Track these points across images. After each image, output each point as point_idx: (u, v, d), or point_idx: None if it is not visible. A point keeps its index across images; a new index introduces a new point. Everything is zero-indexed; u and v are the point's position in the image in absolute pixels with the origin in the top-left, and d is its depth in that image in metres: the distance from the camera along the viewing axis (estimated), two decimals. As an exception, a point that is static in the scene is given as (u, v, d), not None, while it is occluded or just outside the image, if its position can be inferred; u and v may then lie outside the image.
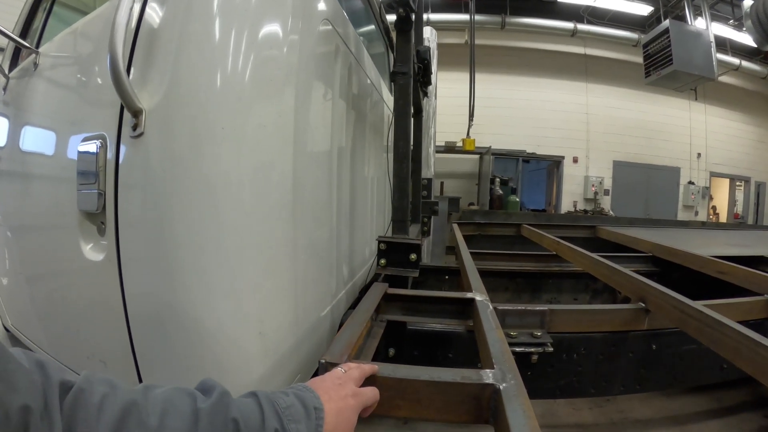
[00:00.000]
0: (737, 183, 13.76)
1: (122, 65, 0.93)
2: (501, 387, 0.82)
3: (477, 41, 8.26)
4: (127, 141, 1.02)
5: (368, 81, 2.14)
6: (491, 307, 1.34)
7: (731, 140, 13.06)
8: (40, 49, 1.60)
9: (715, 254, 2.81)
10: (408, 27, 1.73)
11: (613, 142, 11.77)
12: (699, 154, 12.67)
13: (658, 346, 2.02)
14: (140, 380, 1.09)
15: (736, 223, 11.84)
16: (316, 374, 0.87)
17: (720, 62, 8.77)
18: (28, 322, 1.77)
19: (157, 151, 0.99)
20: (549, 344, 1.59)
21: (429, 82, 2.65)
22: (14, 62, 1.95)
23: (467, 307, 1.44)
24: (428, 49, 2.27)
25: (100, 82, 1.19)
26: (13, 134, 1.71)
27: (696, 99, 11.18)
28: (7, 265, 1.90)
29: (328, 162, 1.51)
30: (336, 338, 1.01)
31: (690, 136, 12.54)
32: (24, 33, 1.97)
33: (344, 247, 1.77)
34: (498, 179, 9.73)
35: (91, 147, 1.11)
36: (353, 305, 1.85)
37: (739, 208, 13.76)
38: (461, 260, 2.18)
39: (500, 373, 0.86)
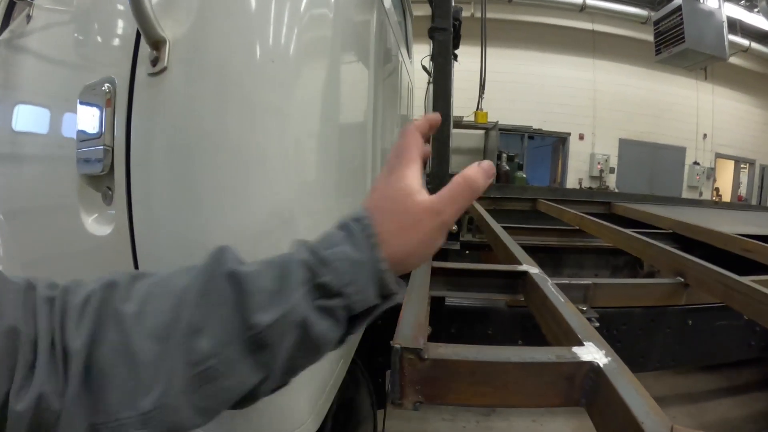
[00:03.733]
0: (742, 165, 13.74)
1: None
2: (601, 364, 0.72)
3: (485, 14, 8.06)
4: (144, 81, 0.82)
5: (395, 46, 2.01)
6: (550, 281, 1.25)
7: (738, 122, 12.94)
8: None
9: (738, 232, 2.74)
10: (448, -20, 1.62)
11: (619, 119, 11.64)
12: (705, 135, 12.57)
13: (694, 321, 2.00)
14: None
15: (744, 204, 11.79)
16: (387, 359, 0.76)
17: (730, 43, 8.64)
18: None
19: (184, 88, 0.79)
20: (595, 319, 1.51)
21: (458, 45, 2.53)
22: (6, 22, 1.75)
23: (517, 281, 1.35)
24: (461, 8, 2.15)
25: (110, 21, 1.00)
26: (6, 101, 1.50)
27: (706, 79, 11.05)
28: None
29: (363, 133, 1.39)
30: (401, 319, 0.89)
31: (696, 116, 12.41)
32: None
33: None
34: (505, 155, 9.64)
35: (96, 94, 0.90)
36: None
37: (743, 190, 13.77)
38: (492, 233, 2.08)
39: (594, 350, 0.77)
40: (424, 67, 1.78)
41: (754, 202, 13.14)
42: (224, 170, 0.78)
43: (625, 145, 11.80)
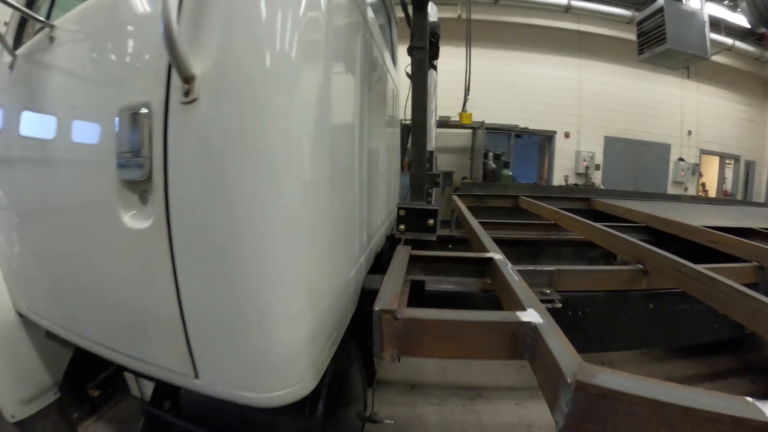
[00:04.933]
0: (727, 161, 14.06)
1: (176, 31, 0.94)
2: (537, 324, 0.94)
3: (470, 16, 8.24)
4: (177, 107, 1.06)
5: (378, 54, 2.21)
6: (510, 264, 1.46)
7: (722, 119, 13.28)
8: (56, 23, 1.55)
9: (706, 225, 2.96)
10: (425, 3, 1.81)
11: (604, 117, 11.90)
12: (690, 132, 12.87)
13: (655, 305, 2.20)
14: (189, 348, 1.18)
15: (725, 198, 12.07)
16: (370, 323, 0.98)
17: (713, 42, 8.84)
18: (52, 304, 1.76)
19: (213, 115, 1.03)
20: (557, 300, 1.72)
21: (437, 56, 2.73)
22: (18, 40, 1.88)
23: (485, 266, 1.56)
24: (438, 24, 2.35)
25: (139, 53, 1.22)
26: (31, 112, 1.68)
27: (689, 77, 11.33)
28: (14, 248, 1.89)
29: (351, 135, 1.60)
30: (381, 290, 1.12)
31: (681, 113, 12.72)
32: (29, 8, 1.83)
33: (363, 216, 1.88)
34: (491, 153, 9.85)
35: (134, 116, 1.13)
36: (371, 270, 1.97)
37: (728, 186, 14.13)
38: (468, 227, 2.29)
39: (533, 313, 0.98)
40: (407, 73, 1.95)
41: (739, 197, 13.47)
42: (244, 175, 1.02)
43: (610, 142, 12.05)
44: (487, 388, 3.63)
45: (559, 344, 0.85)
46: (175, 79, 1.03)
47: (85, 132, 1.39)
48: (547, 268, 1.82)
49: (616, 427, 0.72)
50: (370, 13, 1.94)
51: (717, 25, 10.19)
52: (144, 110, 1.11)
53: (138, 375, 1.85)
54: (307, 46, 1.11)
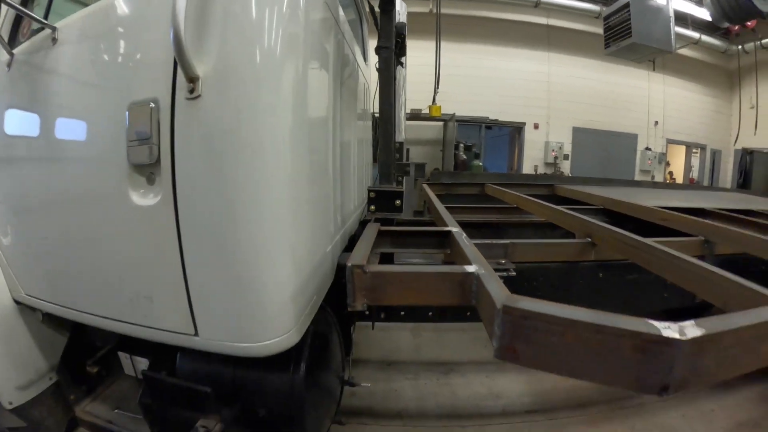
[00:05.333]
0: (693, 150, 14.67)
1: (184, 37, 1.15)
2: (480, 273, 1.16)
3: (442, 10, 8.47)
4: (182, 103, 1.28)
5: (350, 50, 2.42)
6: (465, 234, 1.69)
7: (689, 110, 13.84)
8: (57, 25, 1.66)
9: (661, 206, 3.20)
10: (391, 7, 2.02)
11: (573, 109, 12.31)
12: (656, 122, 13.40)
13: (605, 275, 2.44)
14: (191, 308, 1.40)
15: (684, 184, 12.58)
16: (343, 277, 1.20)
17: (680, 36, 9.23)
18: (51, 285, 1.88)
19: (213, 110, 1.26)
20: (512, 269, 1.96)
21: (404, 54, 2.93)
22: (12, 39, 1.96)
23: (445, 239, 1.79)
24: (404, 24, 2.56)
25: (145, 55, 1.41)
26: (39, 106, 1.78)
27: (654, 70, 11.67)
28: (12, 238, 1.99)
29: (326, 127, 1.82)
30: (353, 252, 1.35)
31: (648, 105, 13.24)
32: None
33: (337, 201, 2.09)
34: (462, 145, 10.13)
35: (145, 109, 1.33)
36: (345, 250, 2.18)
37: (694, 174, 14.72)
38: (434, 209, 2.52)
39: (478, 267, 1.21)
40: (378, 69, 2.14)
41: (705, 183, 14.01)
42: (240, 162, 1.27)
43: (578, 133, 12.48)
44: (458, 363, 3.89)
45: (495, 286, 1.08)
46: (180, 78, 1.26)
47: (96, 123, 1.55)
48: (502, 241, 2.06)
49: (539, 345, 0.93)
50: (341, 11, 2.14)
51: (684, 19, 10.61)
52: (152, 105, 1.32)
53: (134, 352, 2.01)
54: (288, 46, 1.36)
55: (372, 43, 2.66)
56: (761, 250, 2.28)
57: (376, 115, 2.52)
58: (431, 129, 10.81)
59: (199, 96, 1.25)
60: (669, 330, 0.90)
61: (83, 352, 2.41)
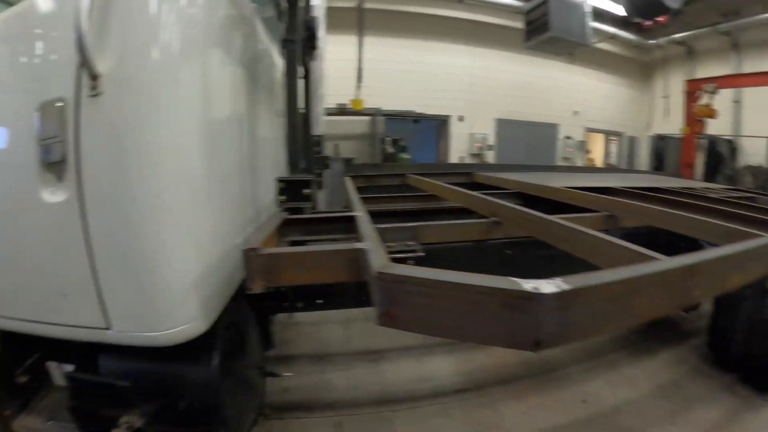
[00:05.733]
0: (611, 137, 15.76)
1: (86, 34, 1.20)
2: (367, 249, 1.22)
3: (367, 5, 8.52)
4: (87, 100, 1.30)
5: (264, 46, 2.43)
6: (367, 217, 1.75)
7: (606, 100, 14.80)
8: None
9: (571, 186, 3.38)
10: (296, 0, 2.05)
11: (496, 101, 12.76)
12: (576, 112, 14.18)
13: (513, 251, 2.55)
14: (102, 302, 1.40)
15: (598, 167, 13.39)
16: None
17: (597, 31, 9.80)
18: None
19: (114, 106, 1.29)
20: (420, 250, 2.04)
21: (315, 47, 2.95)
22: None
23: (351, 224, 1.84)
24: (314, 18, 2.58)
25: (53, 56, 1.41)
26: None
27: (573, 63, 12.44)
28: None
29: (235, 123, 1.84)
30: (252, 236, 1.38)
31: (568, 96, 13.98)
32: None
33: (248, 194, 2.10)
34: (389, 139, 10.27)
35: (53, 108, 1.35)
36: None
37: (613, 159, 15.77)
38: (350, 198, 2.57)
39: (368, 244, 1.27)
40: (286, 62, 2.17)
41: (624, 167, 14.92)
42: (141, 156, 1.30)
43: (501, 124, 12.97)
44: (388, 349, 3.97)
45: (376, 258, 1.14)
46: (85, 77, 1.28)
47: (8, 123, 1.51)
48: (410, 224, 2.13)
49: (415, 308, 0.98)
50: (252, 7, 2.15)
51: (602, 15, 11.27)
52: (60, 103, 1.34)
53: (63, 360, 1.94)
54: (189, 43, 1.41)
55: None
56: (662, 221, 2.45)
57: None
58: (360, 124, 10.87)
59: (100, 93, 1.28)
60: (531, 285, 0.95)
61: (12, 363, 2.26)
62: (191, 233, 1.43)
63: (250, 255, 1.21)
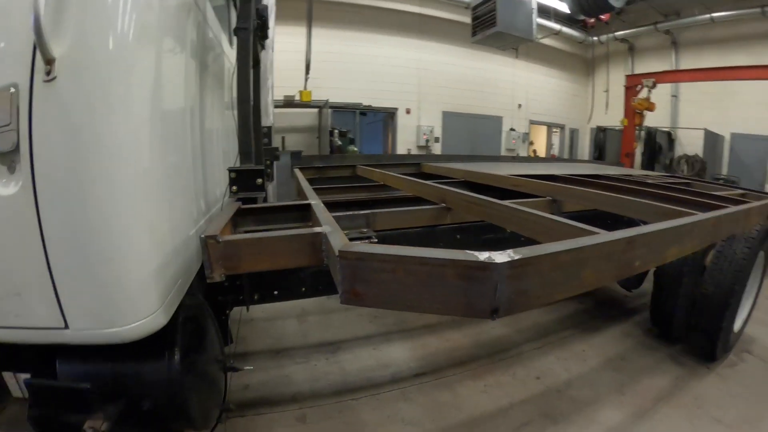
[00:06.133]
0: (554, 129, 16.40)
1: (44, 22, 1.14)
2: (327, 232, 1.24)
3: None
4: (41, 85, 1.23)
5: (214, 35, 2.37)
6: (322, 205, 1.76)
7: (549, 93, 15.44)
8: None
9: (516, 174, 3.53)
10: (250, -12, 2.02)
11: (443, 94, 12.95)
12: (520, 105, 14.67)
13: (462, 236, 2.64)
14: (58, 300, 1.33)
15: (541, 157, 13.98)
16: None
17: (543, 27, 10.19)
18: None
19: (68, 93, 1.22)
20: (373, 236, 2.06)
21: (266, 37, 2.91)
22: None
23: (306, 212, 1.84)
24: (266, 7, 2.54)
25: (7, 39, 1.32)
26: None
27: (517, 57, 12.82)
28: None
29: (186, 114, 1.79)
30: (207, 227, 1.36)
31: (513, 89, 14.42)
32: None
33: (200, 186, 2.06)
34: (337, 131, 10.22)
35: (5, 94, 1.26)
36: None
37: (555, 150, 16.44)
38: (302, 188, 2.56)
39: (326, 228, 1.28)
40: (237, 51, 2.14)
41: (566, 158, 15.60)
42: (96, 145, 1.24)
43: (448, 116, 13.20)
44: (346, 340, 4.01)
45: (337, 239, 1.16)
46: (40, 62, 1.21)
47: None
48: (364, 212, 2.16)
49: (378, 284, 1.01)
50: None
51: (547, 12, 11.74)
52: (12, 90, 1.26)
53: (19, 369, 1.84)
54: (143, 31, 1.35)
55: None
56: (604, 204, 2.61)
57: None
58: (307, 116, 10.75)
59: (54, 78, 1.21)
60: (485, 255, 1.02)
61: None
62: (148, 223, 1.38)
63: (209, 242, 1.20)
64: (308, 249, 1.24)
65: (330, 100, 10.07)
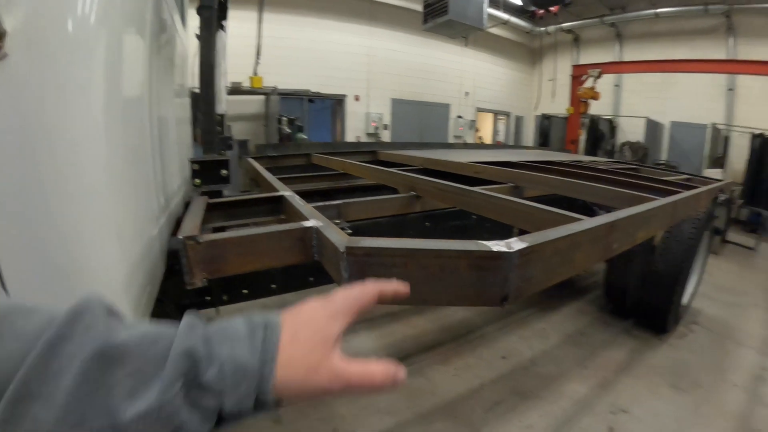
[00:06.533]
0: (499, 117, 16.77)
1: None
2: (319, 227, 1.15)
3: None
4: None
5: (169, 15, 2.17)
6: (298, 197, 1.66)
7: (496, 82, 15.71)
8: None
9: (472, 161, 3.53)
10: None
11: (392, 81, 12.86)
12: (467, 93, 14.84)
13: (431, 223, 2.63)
14: None
15: (490, 144, 14.31)
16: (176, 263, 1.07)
17: (492, 16, 10.24)
18: None
19: (21, 71, 1.01)
20: (347, 227, 1.99)
21: (225, 17, 2.74)
22: None
23: (278, 205, 1.74)
24: (229, -15, 2.38)
25: None
26: None
27: (466, 46, 12.94)
28: None
29: (144, 102, 1.61)
30: (183, 224, 1.23)
31: (461, 77, 14.55)
32: None
33: (158, 180, 1.90)
34: (285, 119, 9.92)
35: None
36: (174, 233, 2.01)
37: (501, 137, 16.85)
38: (263, 180, 2.43)
39: (315, 221, 1.20)
40: (197, 36, 1.95)
41: (511, 144, 16.01)
42: (50, 133, 1.03)
43: (397, 103, 13.13)
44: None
45: (335, 234, 1.07)
46: None
47: None
48: (335, 202, 2.07)
49: (387, 278, 0.95)
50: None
51: (497, 2, 11.87)
52: None
53: None
54: (104, 6, 1.13)
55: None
56: (561, 189, 2.69)
57: (195, 89, 2.33)
58: (253, 104, 10.37)
59: (5, 56, 0.97)
60: (498, 245, 1.00)
61: None
62: (115, 225, 1.18)
63: (189, 244, 1.07)
64: (298, 245, 1.15)
65: (278, 87, 9.76)
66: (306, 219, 1.25)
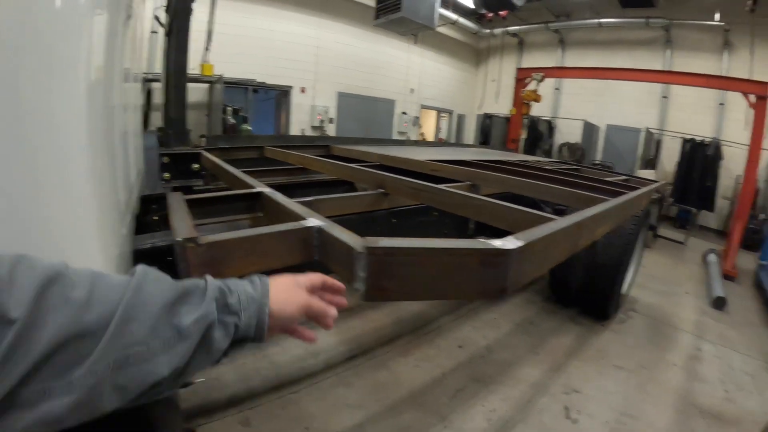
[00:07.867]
0: (442, 114, 17.03)
1: None
2: (321, 226, 1.14)
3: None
4: None
5: None
6: (280, 193, 1.63)
7: (440, 80, 15.88)
8: None
9: (428, 159, 3.60)
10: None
11: (339, 75, 12.71)
12: (413, 90, 14.96)
13: (397, 219, 2.67)
14: None
15: (441, 142, 14.65)
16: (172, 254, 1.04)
17: (442, 16, 10.32)
18: None
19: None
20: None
21: None
22: None
23: (256, 201, 1.70)
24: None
25: None
26: None
27: (416, 43, 13.14)
28: None
29: (114, 84, 1.51)
30: (175, 224, 1.19)
31: (406, 74, 14.62)
32: None
33: (121, 175, 1.79)
34: (230, 109, 9.61)
35: None
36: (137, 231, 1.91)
37: (443, 134, 17.14)
38: (229, 175, 2.36)
39: (315, 220, 1.19)
40: (157, 19, 1.84)
41: (452, 142, 16.33)
42: (25, 117, 0.87)
43: (343, 97, 13.01)
44: (267, 334, 3.85)
45: (343, 234, 1.08)
46: None
47: None
48: (307, 199, 2.06)
49: (404, 277, 0.99)
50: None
51: (447, 2, 12.06)
52: None
53: None
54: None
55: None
56: (517, 188, 2.84)
57: (146, 75, 2.21)
58: (196, 92, 9.88)
59: None
60: (502, 243, 1.10)
61: None
62: (95, 224, 1.04)
63: (188, 247, 1.04)
64: (300, 246, 1.14)
65: (223, 75, 9.41)
66: (302, 217, 1.24)
